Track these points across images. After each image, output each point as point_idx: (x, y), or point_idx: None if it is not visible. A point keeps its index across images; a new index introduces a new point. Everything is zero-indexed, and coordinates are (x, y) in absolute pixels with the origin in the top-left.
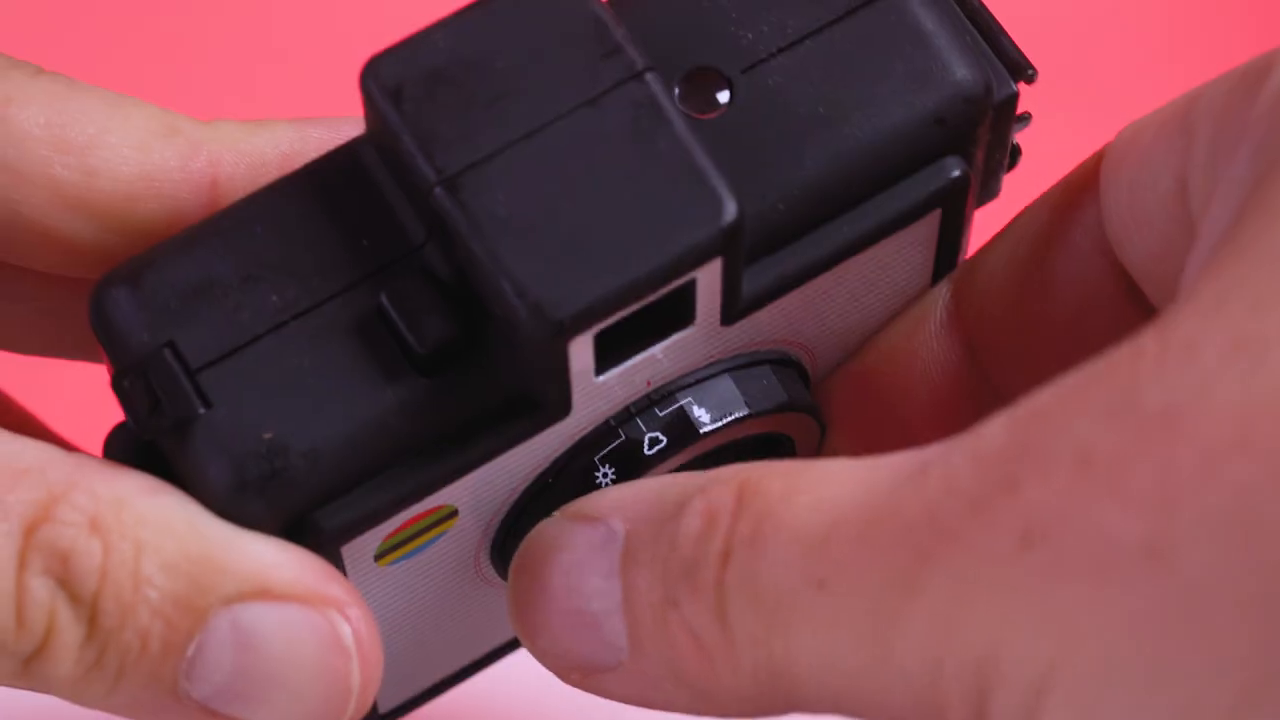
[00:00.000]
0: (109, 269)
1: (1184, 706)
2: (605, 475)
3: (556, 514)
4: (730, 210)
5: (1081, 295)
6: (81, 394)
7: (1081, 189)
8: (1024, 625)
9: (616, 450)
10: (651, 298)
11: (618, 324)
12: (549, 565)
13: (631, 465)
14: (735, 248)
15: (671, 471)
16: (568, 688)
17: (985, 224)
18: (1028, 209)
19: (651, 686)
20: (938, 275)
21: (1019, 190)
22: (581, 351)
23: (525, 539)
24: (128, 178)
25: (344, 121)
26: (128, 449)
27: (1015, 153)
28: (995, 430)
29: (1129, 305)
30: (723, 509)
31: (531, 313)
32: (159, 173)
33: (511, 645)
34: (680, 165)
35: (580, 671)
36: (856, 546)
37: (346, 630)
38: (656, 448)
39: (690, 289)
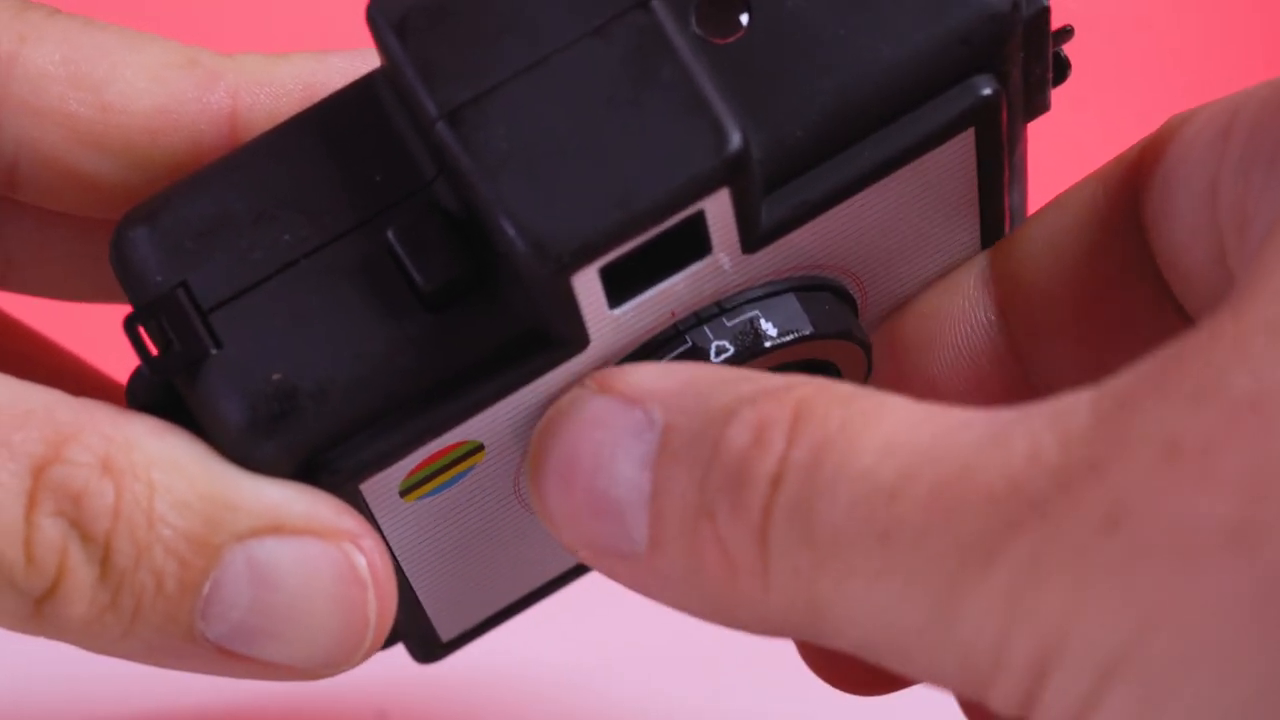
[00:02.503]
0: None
1: (1254, 697)
2: None
3: (590, 381)
4: (734, 140)
5: (1115, 278)
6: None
7: (1128, 171)
8: (1100, 607)
9: (682, 356)
10: (654, 231)
11: (627, 256)
12: (579, 438)
13: None
14: (742, 177)
15: None
16: (567, 689)
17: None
18: (1076, 185)
19: (663, 585)
20: (984, 200)
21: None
22: (588, 285)
23: (556, 404)
24: (145, 111)
25: (367, 52)
26: (149, 392)
27: (1063, 66)
28: (1080, 409)
29: (1161, 293)
30: (775, 426)
31: (531, 250)
32: (177, 105)
33: (572, 574)
34: (684, 95)
35: (591, 551)
36: (928, 507)
37: (361, 561)
38: (723, 356)
39: (700, 220)
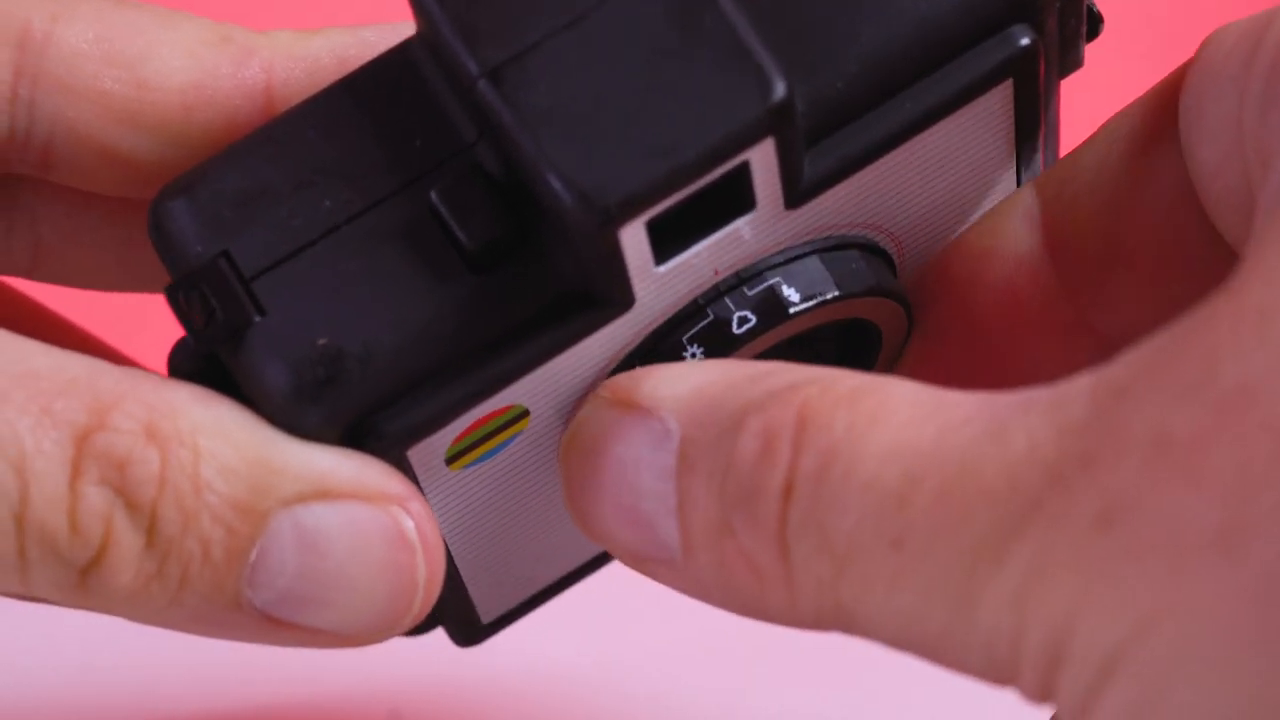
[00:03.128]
0: None
1: (1251, 698)
2: (694, 355)
3: (606, 392)
4: (779, 89)
5: (1161, 205)
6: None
7: (1168, 93)
8: (1098, 604)
9: (705, 330)
10: (701, 182)
11: (673, 211)
12: (602, 455)
13: (720, 344)
14: (787, 127)
15: (759, 355)
16: (581, 688)
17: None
18: (1121, 111)
19: (703, 589)
20: (1020, 151)
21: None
22: (635, 240)
23: (576, 418)
24: (180, 87)
25: (400, 25)
26: (191, 363)
27: (1095, 20)
28: (1077, 400)
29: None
30: (782, 435)
31: (578, 203)
32: (211, 81)
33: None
34: (727, 45)
35: (634, 559)
36: (935, 509)
37: (410, 524)
38: (745, 327)
39: (745, 172)
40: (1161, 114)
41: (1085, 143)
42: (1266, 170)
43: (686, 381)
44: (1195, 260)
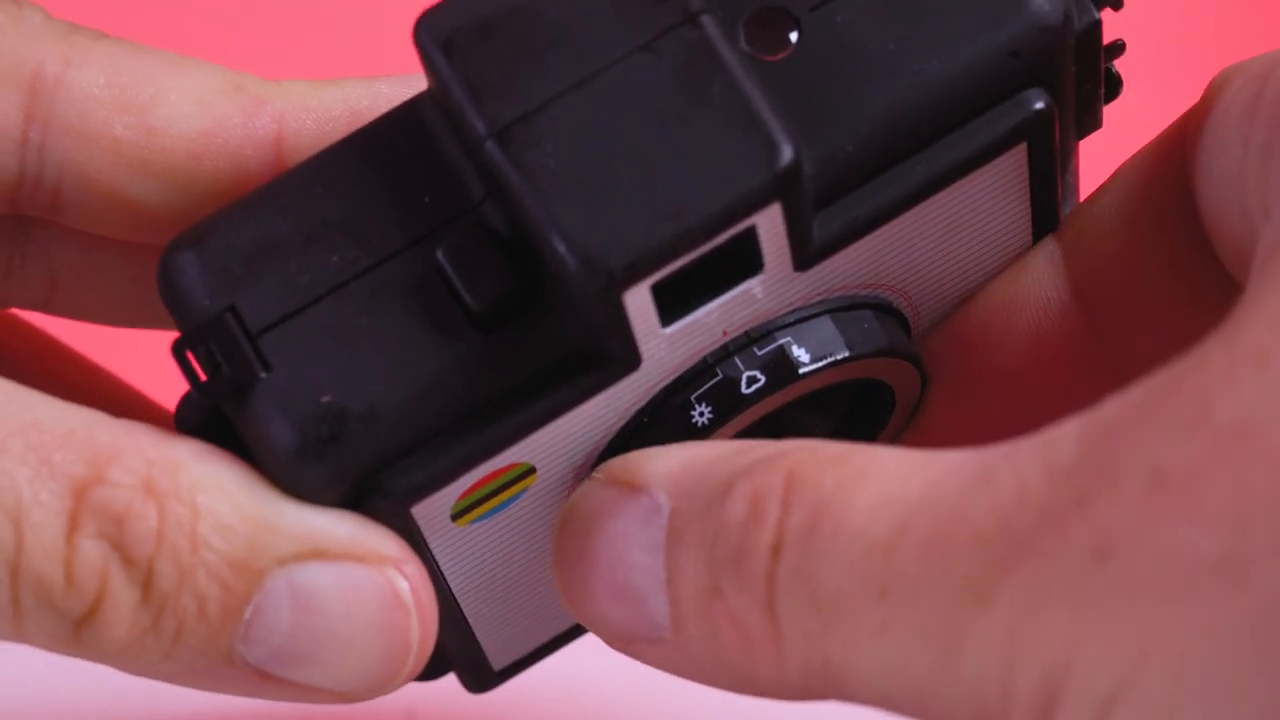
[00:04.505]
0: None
1: None
2: (702, 414)
3: (600, 474)
4: (786, 154)
5: (1182, 249)
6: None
7: (1178, 133)
8: (1097, 638)
9: (714, 389)
10: (707, 247)
11: (680, 273)
12: (593, 533)
13: (729, 404)
14: (794, 192)
15: (769, 414)
16: (596, 692)
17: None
18: (1138, 151)
19: (693, 665)
20: (1036, 214)
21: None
22: (640, 303)
23: (570, 499)
24: (189, 135)
25: (413, 78)
26: (196, 417)
27: (1114, 82)
28: (1066, 441)
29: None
30: (770, 496)
31: (582, 266)
32: (221, 130)
33: None
34: (735, 110)
35: (622, 640)
36: (923, 557)
37: (405, 586)
38: (754, 387)
39: (752, 236)
40: (1171, 157)
41: (1101, 187)
42: (1266, 219)
43: (675, 458)
44: (1213, 301)
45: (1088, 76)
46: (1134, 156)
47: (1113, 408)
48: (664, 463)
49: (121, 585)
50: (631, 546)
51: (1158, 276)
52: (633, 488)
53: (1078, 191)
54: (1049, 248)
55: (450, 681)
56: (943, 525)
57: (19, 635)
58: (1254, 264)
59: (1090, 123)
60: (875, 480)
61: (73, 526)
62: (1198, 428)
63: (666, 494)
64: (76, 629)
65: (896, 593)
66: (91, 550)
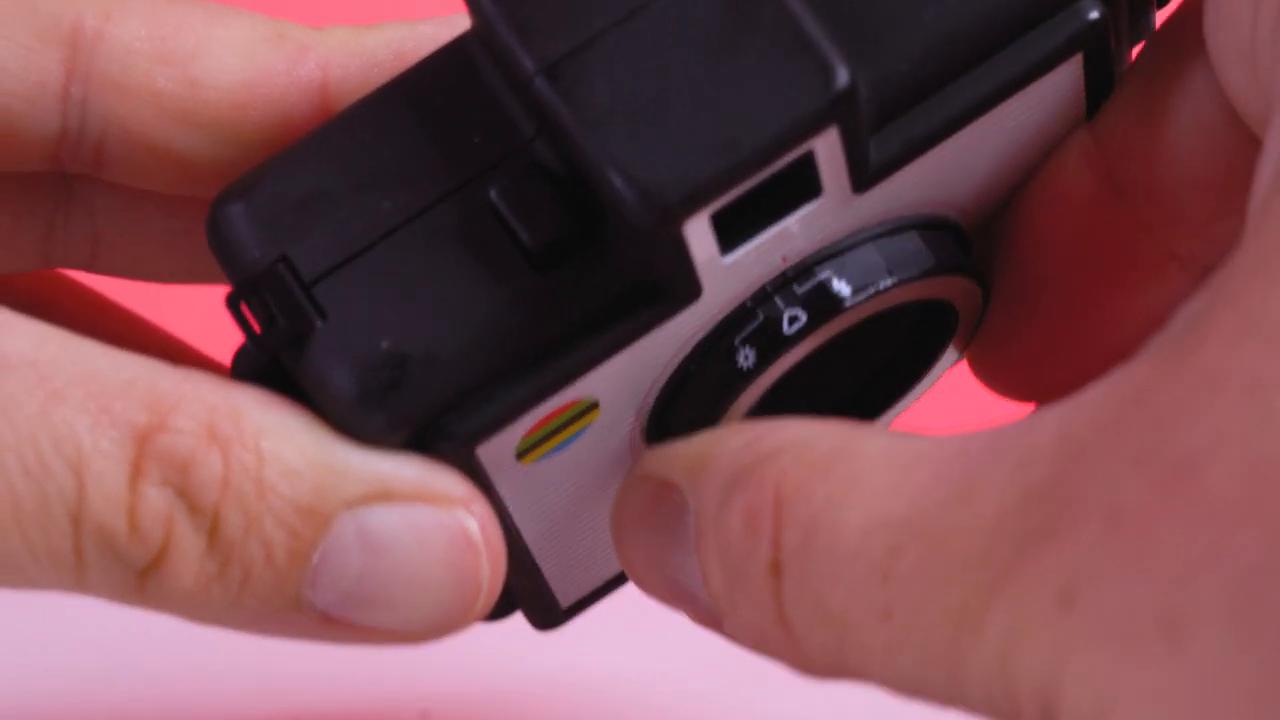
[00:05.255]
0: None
1: None
2: (747, 357)
3: (639, 470)
4: (841, 77)
5: (1215, 123)
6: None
7: (1196, 13)
8: (1070, 676)
9: (756, 331)
10: (764, 174)
11: (738, 201)
12: (637, 534)
13: (773, 344)
14: (851, 114)
15: (823, 345)
16: (610, 693)
17: None
18: (1154, 33)
19: (751, 645)
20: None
21: None
22: (700, 233)
23: (617, 495)
24: (233, 85)
25: (457, 18)
26: (253, 369)
27: None
28: (1042, 456)
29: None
30: (763, 512)
31: (639, 199)
32: (265, 78)
33: None
34: (787, 34)
35: (697, 622)
36: (917, 581)
37: (474, 525)
38: (796, 325)
39: (810, 160)
40: (1189, 33)
41: (1126, 71)
42: (1271, 113)
43: (691, 449)
44: (1248, 171)
45: None
46: (1150, 39)
47: (1086, 420)
48: (687, 457)
49: (187, 533)
50: (669, 549)
51: (1196, 157)
52: (665, 484)
53: None
54: (1082, 141)
55: (466, 683)
56: (932, 549)
57: (82, 586)
58: (1249, 205)
59: (1143, 28)
60: (863, 496)
61: (136, 474)
62: (1150, 461)
63: (691, 493)
64: (141, 578)
65: (899, 615)
66: (156, 498)
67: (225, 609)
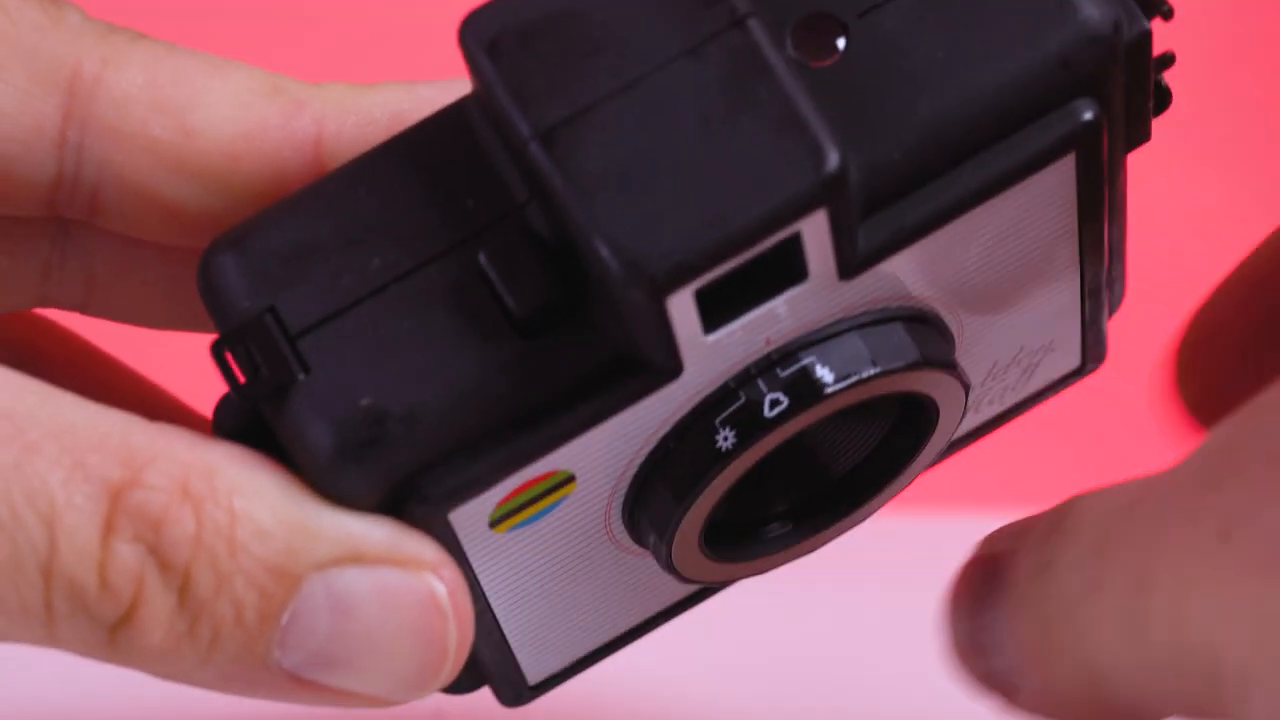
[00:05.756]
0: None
1: None
2: (727, 438)
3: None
4: (832, 160)
5: None
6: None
7: None
8: (1230, 616)
9: (737, 412)
10: (751, 252)
11: (723, 280)
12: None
13: (753, 428)
14: (840, 198)
15: (804, 430)
16: (625, 692)
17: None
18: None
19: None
20: (1083, 226)
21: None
22: (683, 309)
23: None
24: (228, 137)
25: (456, 83)
26: (235, 419)
27: (1164, 95)
28: (1219, 427)
29: None
30: (1048, 525)
31: (626, 271)
32: (260, 131)
33: (663, 617)
34: (781, 115)
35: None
36: (1117, 546)
37: (442, 590)
38: (777, 409)
39: (797, 243)
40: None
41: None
42: None
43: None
44: None
45: (1137, 88)
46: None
47: (1258, 396)
48: (1003, 531)
49: (157, 590)
50: (982, 607)
51: None
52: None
53: (1125, 202)
54: None
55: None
56: (1126, 514)
57: (52, 640)
58: None
59: (1139, 135)
60: (1124, 490)
61: (108, 530)
62: None
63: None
64: (111, 634)
65: (1107, 583)
66: (127, 554)
67: (195, 667)
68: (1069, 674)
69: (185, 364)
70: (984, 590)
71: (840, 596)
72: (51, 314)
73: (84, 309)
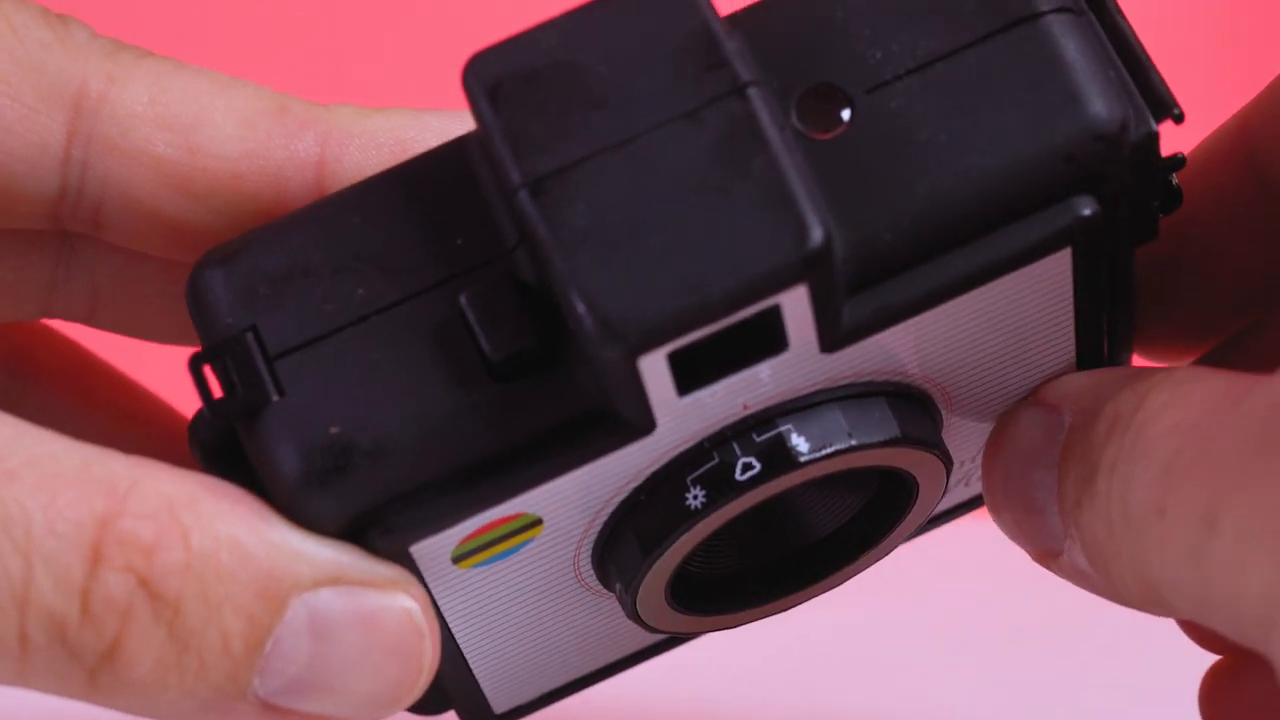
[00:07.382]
0: None
1: None
2: (697, 497)
3: (1030, 396)
4: (815, 236)
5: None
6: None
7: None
8: None
9: (709, 473)
10: (727, 321)
11: (699, 344)
12: (1007, 448)
13: (723, 489)
14: (822, 274)
15: (774, 496)
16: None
17: None
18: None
19: (1081, 578)
20: (1080, 320)
21: None
22: (656, 370)
23: (999, 419)
24: (232, 155)
25: (463, 113)
26: (208, 434)
27: (1173, 195)
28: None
29: None
30: (1122, 418)
31: (599, 327)
32: (264, 150)
33: (635, 659)
34: (770, 186)
35: (1035, 554)
36: (1184, 476)
37: (417, 609)
38: (749, 473)
39: (776, 314)
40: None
41: None
42: None
43: (1087, 377)
44: None
45: (1143, 188)
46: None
47: None
48: (1079, 381)
49: (146, 621)
50: (1035, 462)
51: None
52: (1046, 406)
53: (1132, 294)
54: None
55: None
56: (1202, 447)
57: (24, 676)
58: None
59: (1146, 233)
60: (1178, 403)
61: (96, 559)
62: None
63: (1070, 410)
64: (91, 668)
65: (1170, 511)
66: (115, 584)
67: (176, 699)
68: (1127, 577)
69: (186, 376)
70: (1043, 445)
71: (840, 596)
72: (53, 323)
73: (88, 321)
